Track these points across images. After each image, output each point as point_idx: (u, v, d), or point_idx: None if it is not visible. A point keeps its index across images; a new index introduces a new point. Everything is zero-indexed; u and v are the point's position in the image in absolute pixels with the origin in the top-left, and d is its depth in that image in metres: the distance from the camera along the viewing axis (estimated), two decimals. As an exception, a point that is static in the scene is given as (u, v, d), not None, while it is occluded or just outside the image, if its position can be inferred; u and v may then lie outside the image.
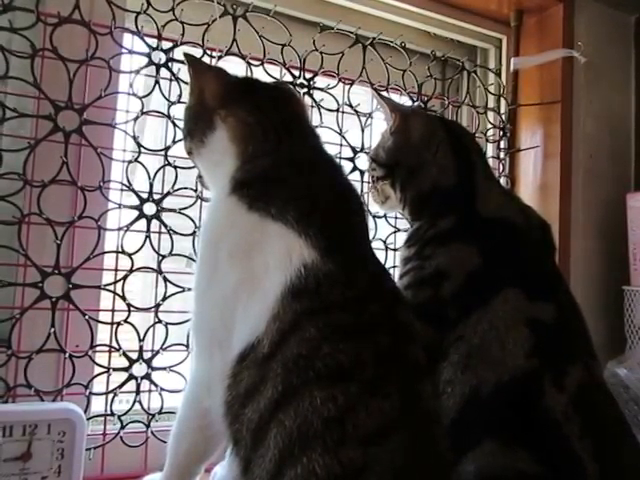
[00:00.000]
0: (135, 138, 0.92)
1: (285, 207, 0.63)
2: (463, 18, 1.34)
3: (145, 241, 0.92)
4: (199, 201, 0.96)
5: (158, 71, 0.95)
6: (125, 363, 0.92)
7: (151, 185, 0.93)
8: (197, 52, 0.98)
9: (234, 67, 0.98)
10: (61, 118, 0.89)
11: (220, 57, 0.99)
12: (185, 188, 0.95)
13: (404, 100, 1.19)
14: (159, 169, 0.94)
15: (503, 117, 1.28)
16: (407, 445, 0.54)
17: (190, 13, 0.99)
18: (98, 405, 0.94)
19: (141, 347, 0.91)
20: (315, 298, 0.58)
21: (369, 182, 0.99)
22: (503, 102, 1.31)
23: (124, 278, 0.91)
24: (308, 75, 1.07)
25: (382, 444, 0.53)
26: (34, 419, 0.80)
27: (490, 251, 0.79)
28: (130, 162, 0.92)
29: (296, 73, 1.06)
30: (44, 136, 0.87)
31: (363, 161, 1.12)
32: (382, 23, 1.27)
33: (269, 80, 0.98)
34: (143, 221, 0.93)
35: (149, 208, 0.93)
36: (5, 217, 0.86)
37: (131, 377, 0.91)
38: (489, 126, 1.29)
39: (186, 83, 0.97)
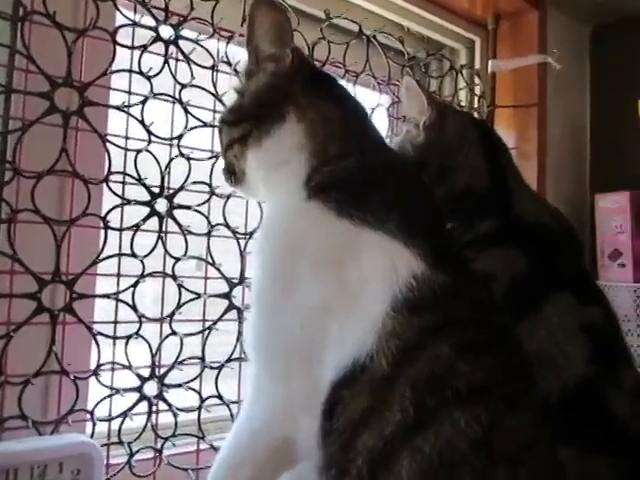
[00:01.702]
0: (144, 124, 0.80)
1: (386, 214, 0.57)
2: (440, 15, 1.34)
3: (157, 242, 0.81)
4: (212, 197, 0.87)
5: (167, 49, 0.83)
6: (129, 382, 0.80)
7: (163, 178, 0.81)
8: (207, 31, 0.88)
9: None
10: (57, 97, 0.75)
11: (231, 38, 0.90)
12: (201, 182, 0.85)
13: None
14: (171, 160, 0.83)
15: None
16: (544, 463, 0.52)
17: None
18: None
19: (154, 363, 0.80)
20: (438, 312, 0.54)
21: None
22: (477, 103, 1.34)
23: (135, 285, 0.79)
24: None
25: (526, 463, 0.51)
26: (43, 458, 0.67)
27: (535, 256, 0.79)
28: (139, 152, 0.80)
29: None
30: (39, 117, 0.73)
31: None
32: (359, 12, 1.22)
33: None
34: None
35: (160, 204, 0.81)
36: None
37: (143, 397, 0.79)
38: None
39: (197, 64, 0.87)
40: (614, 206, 1.28)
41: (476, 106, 1.29)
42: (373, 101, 1.11)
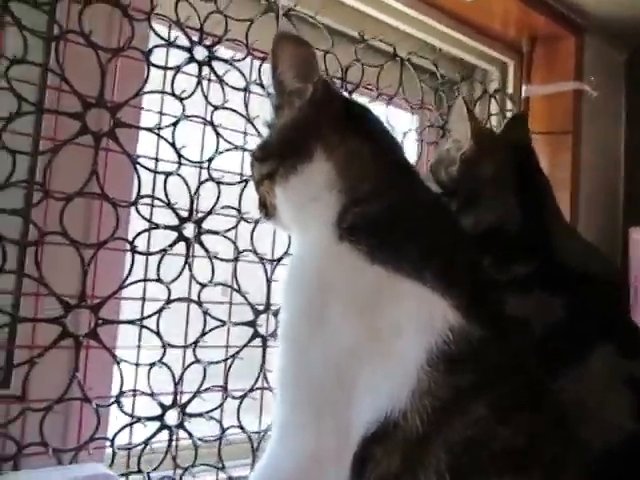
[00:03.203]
0: (175, 146, 0.79)
1: (421, 262, 0.54)
2: (473, 37, 1.31)
3: (184, 267, 0.79)
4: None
5: (200, 70, 0.82)
6: (147, 409, 0.78)
7: (192, 202, 0.80)
8: (241, 52, 0.87)
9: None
10: (89, 117, 0.74)
11: (265, 59, 0.88)
12: (230, 207, 0.83)
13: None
14: (200, 184, 0.81)
15: (515, 143, 1.27)
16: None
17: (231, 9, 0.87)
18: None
19: (176, 391, 0.78)
20: (477, 370, 0.50)
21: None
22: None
23: (160, 311, 0.77)
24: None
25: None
26: (61, 489, 0.65)
27: (575, 303, 0.75)
28: (169, 175, 0.78)
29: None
30: (71, 137, 0.71)
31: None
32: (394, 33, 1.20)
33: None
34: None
35: (188, 229, 0.80)
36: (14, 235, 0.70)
37: (163, 427, 0.77)
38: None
39: (230, 86, 0.85)
40: (649, 239, 1.24)
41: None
42: (405, 124, 1.09)
